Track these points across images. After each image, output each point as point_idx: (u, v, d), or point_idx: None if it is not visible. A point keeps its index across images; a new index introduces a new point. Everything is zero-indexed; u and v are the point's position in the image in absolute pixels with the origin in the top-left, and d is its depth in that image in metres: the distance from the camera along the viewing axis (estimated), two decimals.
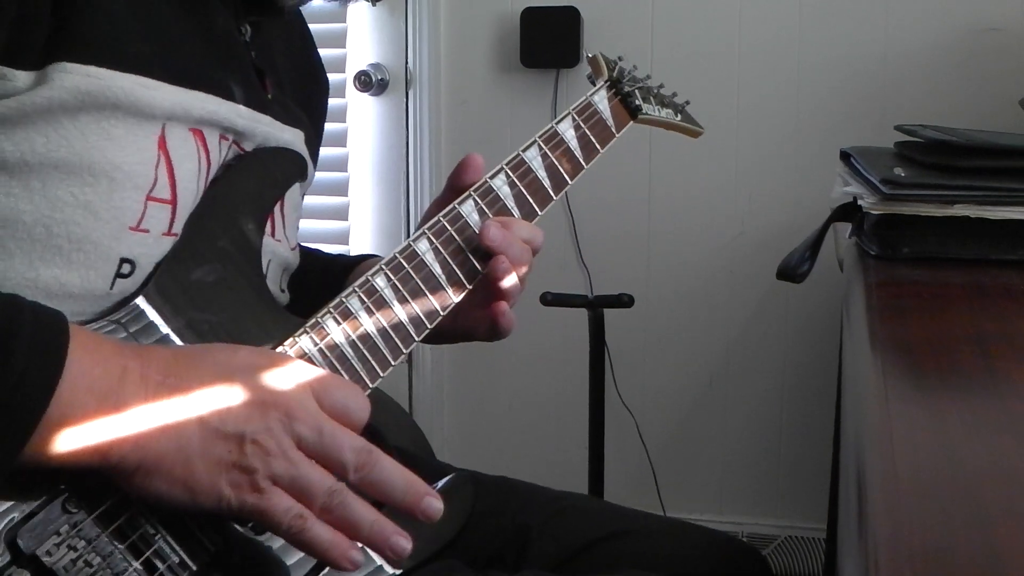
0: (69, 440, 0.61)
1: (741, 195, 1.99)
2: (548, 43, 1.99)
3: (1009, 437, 0.63)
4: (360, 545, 0.69)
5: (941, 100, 1.84)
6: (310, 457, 0.67)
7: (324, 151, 2.01)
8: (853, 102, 1.90)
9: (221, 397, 0.65)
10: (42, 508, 0.63)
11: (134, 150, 0.70)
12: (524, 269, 0.88)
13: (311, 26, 2.31)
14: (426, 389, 2.18)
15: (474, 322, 0.89)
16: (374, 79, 2.08)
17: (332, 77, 2.09)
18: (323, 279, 0.98)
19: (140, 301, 0.71)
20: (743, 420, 2.07)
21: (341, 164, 2.14)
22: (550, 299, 1.70)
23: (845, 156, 1.31)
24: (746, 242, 2.00)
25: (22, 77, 0.65)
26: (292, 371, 0.69)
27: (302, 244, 1.00)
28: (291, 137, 0.86)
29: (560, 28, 1.98)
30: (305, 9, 0.97)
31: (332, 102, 2.09)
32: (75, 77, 0.66)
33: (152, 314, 0.71)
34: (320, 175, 2.14)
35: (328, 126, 2.12)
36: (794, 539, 2.07)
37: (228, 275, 0.76)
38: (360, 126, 2.15)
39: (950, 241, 1.10)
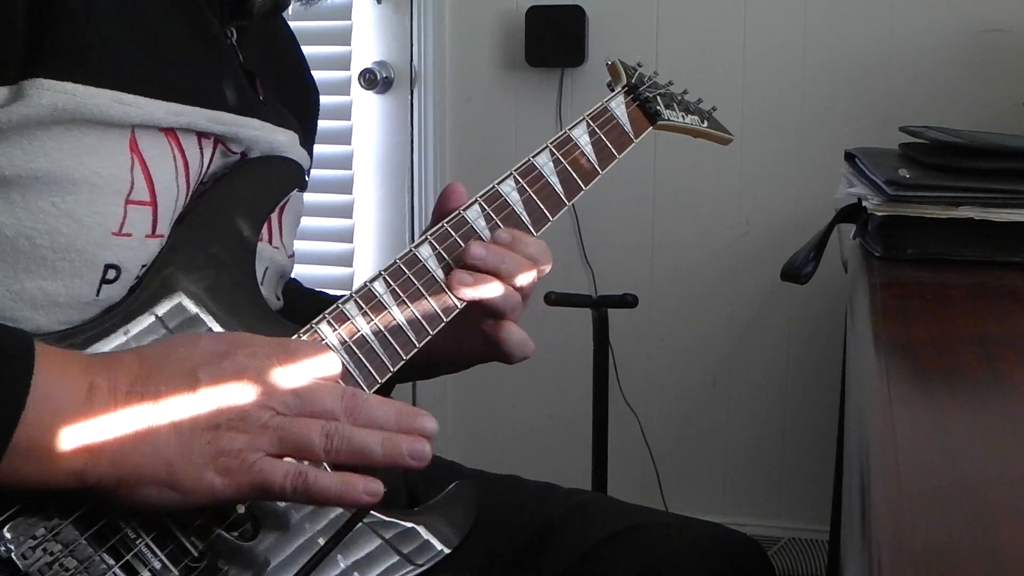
0: (41, 466, 0.60)
1: (745, 195, 1.99)
2: (553, 42, 1.98)
3: (1011, 439, 0.63)
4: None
5: (945, 101, 1.83)
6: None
7: (329, 148, 2.01)
8: (858, 103, 1.90)
9: (189, 394, 0.64)
10: (20, 512, 0.62)
11: (108, 155, 0.69)
12: (521, 283, 0.85)
13: (317, 23, 2.30)
14: (430, 387, 2.18)
15: (473, 341, 0.88)
16: (379, 77, 2.08)
17: (336, 75, 2.11)
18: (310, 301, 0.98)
19: (180, 298, 0.71)
20: (746, 421, 2.07)
21: (345, 162, 2.14)
22: (554, 299, 1.69)
23: (850, 157, 1.31)
24: (750, 243, 2.00)
25: None
26: (254, 347, 0.68)
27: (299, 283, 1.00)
28: (285, 139, 0.85)
29: (565, 27, 1.98)
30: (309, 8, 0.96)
31: (337, 99, 2.11)
32: (52, 94, 0.65)
33: (191, 307, 0.72)
34: (324, 173, 2.15)
35: (332, 123, 2.13)
36: (797, 541, 2.06)
37: (221, 282, 0.75)
38: (364, 124, 2.15)
39: (954, 243, 1.10)
